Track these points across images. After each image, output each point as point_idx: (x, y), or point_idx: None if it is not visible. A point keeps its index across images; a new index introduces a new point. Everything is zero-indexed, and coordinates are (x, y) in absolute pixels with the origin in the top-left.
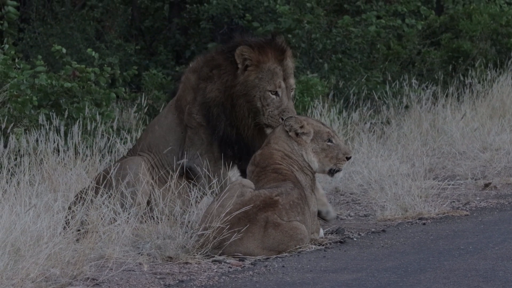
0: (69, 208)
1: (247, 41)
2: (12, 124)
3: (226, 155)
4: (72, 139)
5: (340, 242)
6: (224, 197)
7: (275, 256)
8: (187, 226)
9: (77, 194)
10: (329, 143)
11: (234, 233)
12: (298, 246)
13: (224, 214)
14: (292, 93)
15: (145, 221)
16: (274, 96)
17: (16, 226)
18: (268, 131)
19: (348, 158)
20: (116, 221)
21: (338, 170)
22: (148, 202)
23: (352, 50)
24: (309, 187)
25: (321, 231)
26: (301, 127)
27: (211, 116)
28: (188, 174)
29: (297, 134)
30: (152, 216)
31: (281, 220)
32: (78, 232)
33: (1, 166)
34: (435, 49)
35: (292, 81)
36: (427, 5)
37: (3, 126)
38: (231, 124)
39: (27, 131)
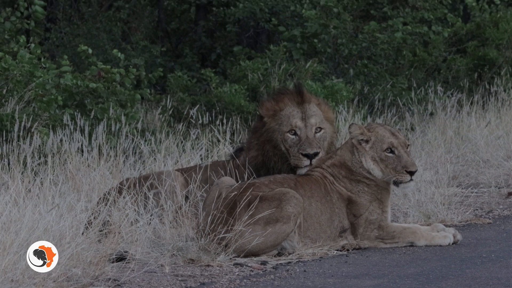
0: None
1: (266, 96)
2: (36, 123)
3: None
4: (96, 139)
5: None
6: (205, 202)
7: (296, 260)
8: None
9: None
10: (388, 154)
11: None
12: (294, 203)
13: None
14: (320, 133)
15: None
16: (293, 136)
17: (39, 225)
18: (298, 171)
19: (409, 172)
20: (138, 222)
21: (401, 182)
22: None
23: (377, 56)
24: (366, 194)
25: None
26: (361, 133)
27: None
28: None
29: (359, 141)
30: (175, 218)
31: (263, 192)
32: (100, 232)
33: (26, 165)
34: (461, 56)
35: (313, 120)
36: (454, 12)
37: (28, 125)
38: (268, 172)
39: (52, 130)
